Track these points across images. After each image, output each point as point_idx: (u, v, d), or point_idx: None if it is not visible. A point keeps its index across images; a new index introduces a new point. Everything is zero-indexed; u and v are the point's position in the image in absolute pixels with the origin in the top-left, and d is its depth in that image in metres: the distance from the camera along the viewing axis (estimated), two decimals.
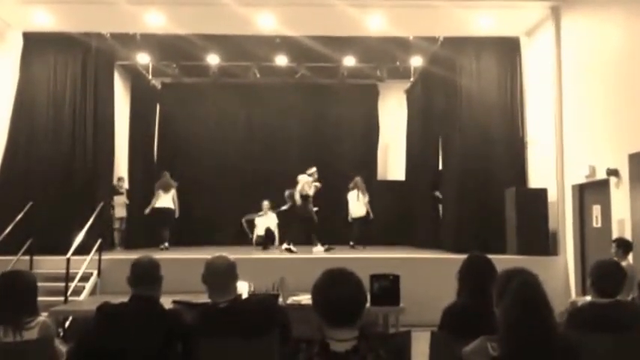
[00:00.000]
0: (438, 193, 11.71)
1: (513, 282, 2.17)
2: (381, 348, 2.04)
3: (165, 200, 11.00)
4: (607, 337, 2.86)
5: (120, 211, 11.33)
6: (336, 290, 2.06)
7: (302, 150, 14.25)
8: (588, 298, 3.41)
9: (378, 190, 13.65)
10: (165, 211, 10.98)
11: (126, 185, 12.03)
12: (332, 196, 12.42)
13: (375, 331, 2.08)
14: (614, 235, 7.11)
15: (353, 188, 11.35)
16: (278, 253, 9.96)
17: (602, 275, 3.10)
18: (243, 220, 12.54)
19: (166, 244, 10.81)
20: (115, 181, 11.48)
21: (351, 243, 11.06)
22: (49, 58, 10.12)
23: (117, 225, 11.34)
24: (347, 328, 2.04)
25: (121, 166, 12.31)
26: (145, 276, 3.07)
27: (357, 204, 11.25)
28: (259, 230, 11.57)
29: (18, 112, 9.84)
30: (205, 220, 13.46)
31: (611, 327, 2.90)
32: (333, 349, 2.01)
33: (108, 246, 10.37)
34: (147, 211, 11.10)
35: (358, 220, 11.24)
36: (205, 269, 3.10)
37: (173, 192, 11.13)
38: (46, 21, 9.41)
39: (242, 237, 12.54)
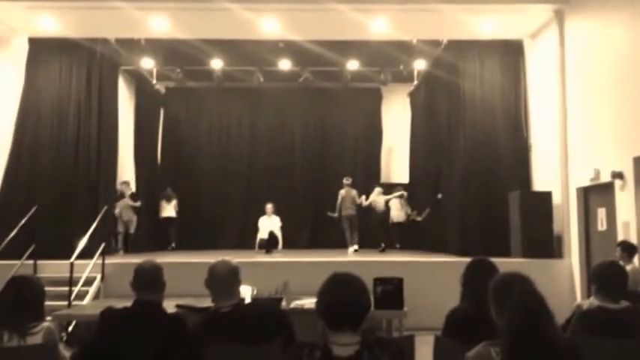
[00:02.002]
0: (441, 196, 11.68)
1: (511, 289, 2.16)
2: (384, 353, 2.03)
3: (168, 210, 12.48)
4: (616, 341, 2.82)
5: (126, 214, 11.39)
6: (341, 295, 2.06)
7: (305, 153, 14.29)
8: (594, 301, 3.36)
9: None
10: (168, 220, 12.53)
11: (131, 189, 12.08)
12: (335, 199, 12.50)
13: (377, 336, 2.06)
14: (620, 238, 7.08)
15: (399, 197, 12.35)
16: (281, 257, 9.95)
17: (607, 278, 3.04)
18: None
19: (173, 245, 12.41)
20: (119, 185, 11.55)
21: (397, 245, 12.22)
22: (54, 63, 10.16)
23: (121, 229, 11.38)
24: (350, 333, 2.04)
25: (126, 171, 12.34)
26: (148, 281, 3.06)
27: (401, 211, 12.22)
28: (262, 233, 11.56)
29: (23, 117, 9.87)
30: (209, 223, 13.49)
31: (622, 332, 2.86)
32: (335, 353, 2.00)
33: (112, 250, 10.60)
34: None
35: (397, 225, 12.23)
36: (208, 274, 3.09)
37: (174, 202, 12.53)
38: (52, 26, 9.45)
39: (246, 240, 12.54)
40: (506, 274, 2.44)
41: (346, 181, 11.96)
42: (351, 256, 10.08)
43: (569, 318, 3.43)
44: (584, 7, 8.63)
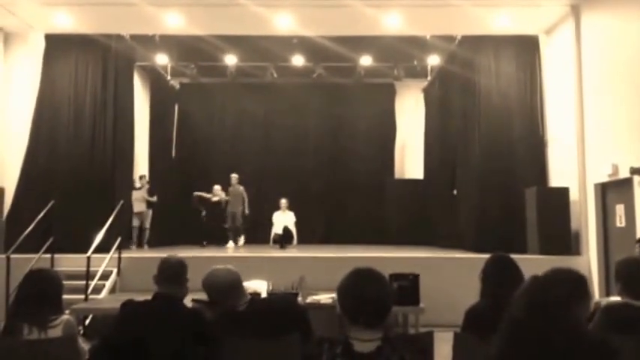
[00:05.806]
0: (457, 192, 11.60)
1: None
2: (405, 349, 2.01)
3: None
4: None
5: (138, 206, 11.45)
6: (364, 291, 2.04)
7: (319, 149, 14.30)
8: (613, 298, 3.30)
9: (396, 189, 13.62)
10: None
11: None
12: (352, 195, 12.57)
13: (398, 333, 2.04)
14: (639, 235, 6.98)
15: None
16: (296, 252, 9.96)
17: (634, 275, 2.95)
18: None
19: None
20: (140, 178, 11.68)
21: None
22: (70, 59, 10.23)
23: (135, 223, 11.44)
24: (371, 329, 2.02)
25: (140, 165, 12.42)
26: (172, 275, 3.08)
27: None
28: (277, 229, 11.60)
29: (40, 113, 9.96)
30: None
31: None
32: (356, 349, 1.99)
33: (127, 244, 10.70)
34: None
35: None
36: (207, 290, 3.09)
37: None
38: (68, 23, 9.52)
39: (259, 235, 12.56)
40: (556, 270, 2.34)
41: (236, 175, 12.28)
42: (366, 252, 10.04)
43: (588, 316, 3.38)
44: (600, 1, 8.51)
